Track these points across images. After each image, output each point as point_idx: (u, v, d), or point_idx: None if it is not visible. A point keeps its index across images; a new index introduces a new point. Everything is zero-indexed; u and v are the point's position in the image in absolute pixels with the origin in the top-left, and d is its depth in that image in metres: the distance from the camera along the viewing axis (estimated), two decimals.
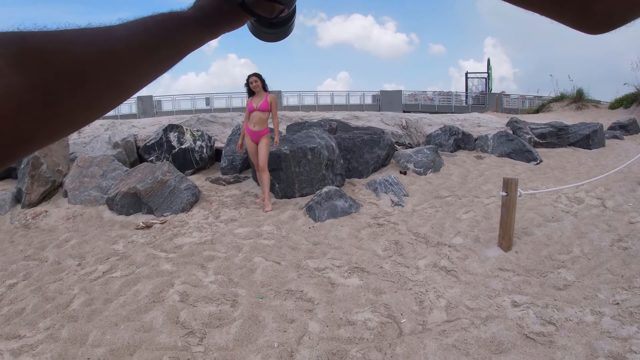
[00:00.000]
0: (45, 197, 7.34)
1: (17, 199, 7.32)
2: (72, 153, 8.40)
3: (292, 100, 39.45)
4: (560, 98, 20.97)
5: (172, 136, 8.37)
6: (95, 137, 9.11)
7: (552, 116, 16.75)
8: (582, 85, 21.12)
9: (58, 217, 6.58)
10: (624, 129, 13.45)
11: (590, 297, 3.59)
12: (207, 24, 0.65)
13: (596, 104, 20.09)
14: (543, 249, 4.68)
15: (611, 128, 13.39)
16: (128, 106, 37.35)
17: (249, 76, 6.53)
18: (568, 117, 15.89)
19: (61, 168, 7.67)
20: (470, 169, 8.26)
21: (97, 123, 10.18)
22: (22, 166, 7.41)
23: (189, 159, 8.27)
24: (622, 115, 16.00)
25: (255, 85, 6.47)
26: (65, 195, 7.22)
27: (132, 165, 8.13)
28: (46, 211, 6.79)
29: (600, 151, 10.42)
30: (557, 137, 10.67)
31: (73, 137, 9.05)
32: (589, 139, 10.64)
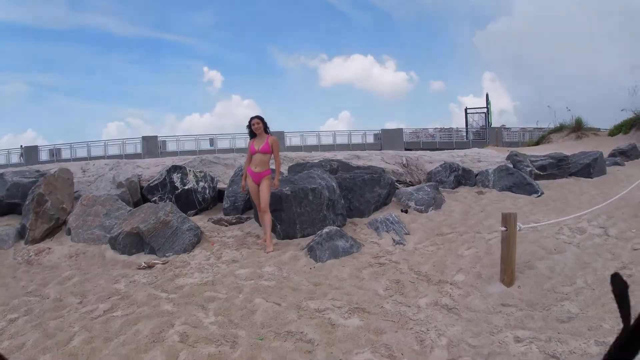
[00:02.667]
0: (49, 234, 7.38)
1: (21, 234, 7.37)
2: (76, 191, 8.47)
3: (295, 141, 39.79)
4: (560, 128, 21.12)
5: (176, 177, 8.43)
6: (99, 177, 9.20)
7: (552, 147, 16.81)
8: (581, 113, 21.36)
9: (61, 254, 6.62)
10: (625, 154, 13.47)
11: (594, 327, 3.55)
12: None
13: (595, 131, 20.21)
14: (546, 282, 4.65)
15: (612, 155, 13.41)
16: (133, 146, 37.90)
17: (252, 118, 6.64)
18: (568, 147, 15.93)
19: (65, 206, 7.73)
20: (472, 205, 8.24)
21: (102, 162, 10.32)
22: (27, 202, 7.49)
23: (191, 199, 8.31)
24: (622, 142, 16.04)
25: (257, 127, 6.57)
26: (69, 233, 7.26)
27: (136, 205, 8.18)
28: (49, 248, 6.83)
29: (601, 179, 10.42)
30: (558, 168, 10.67)
31: (77, 176, 9.15)
32: (589, 168, 10.64)
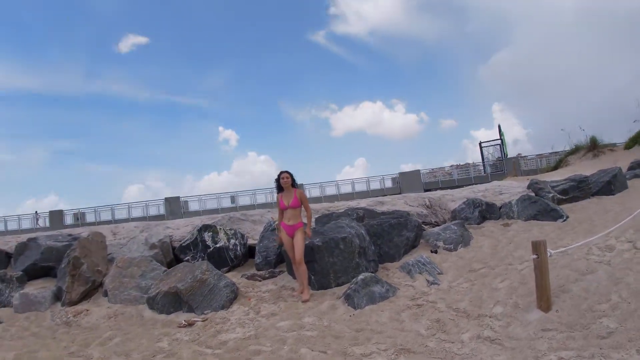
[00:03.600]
0: (85, 296, 7.58)
1: (57, 297, 7.58)
2: (109, 254, 8.70)
3: (314, 192, 40.23)
4: (576, 150, 21.07)
5: (207, 236, 8.65)
6: (131, 239, 9.41)
7: (570, 170, 16.82)
8: (594, 131, 21.24)
9: (99, 315, 6.79)
10: None
11: (635, 338, 3.65)
12: None
13: (612, 147, 20.13)
14: (582, 302, 4.73)
15: (630, 168, 13.37)
16: (156, 207, 38.58)
17: (281, 172, 6.86)
18: (586, 167, 15.95)
19: (100, 268, 7.96)
20: (500, 238, 8.32)
21: (132, 225, 10.57)
22: (63, 265, 7.72)
23: (224, 257, 8.49)
24: (639, 153, 15.97)
25: (285, 181, 6.78)
26: (105, 294, 7.46)
27: (169, 265, 8.36)
28: (87, 310, 6.99)
29: (624, 194, 10.47)
30: (579, 190, 10.74)
31: (109, 239, 9.37)
32: (610, 185, 10.71)
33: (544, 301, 4.75)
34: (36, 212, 39.49)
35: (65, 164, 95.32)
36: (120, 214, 38.42)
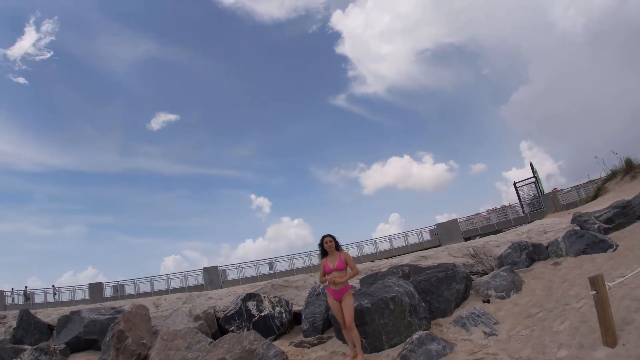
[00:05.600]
0: None
1: None
2: (153, 326, 8.78)
3: (352, 252, 39.61)
4: (613, 175, 20.63)
5: (251, 305, 8.67)
6: (174, 311, 9.47)
7: (611, 197, 16.42)
8: (628, 152, 20.77)
9: None
10: None
11: None
12: None
13: None
14: None
15: None
16: (194, 277, 38.47)
17: (324, 237, 6.85)
18: (626, 190, 15.55)
19: (145, 341, 7.98)
20: (552, 279, 8.09)
21: (174, 297, 10.63)
22: (107, 339, 7.80)
23: (269, 325, 8.45)
24: None
25: (329, 245, 6.77)
26: None
27: (214, 336, 8.36)
28: None
29: None
30: (624, 215, 10.48)
31: (151, 311, 9.44)
32: None
33: (610, 336, 4.61)
34: (53, 285, 39.82)
35: (103, 237, 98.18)
36: (159, 285, 38.31)
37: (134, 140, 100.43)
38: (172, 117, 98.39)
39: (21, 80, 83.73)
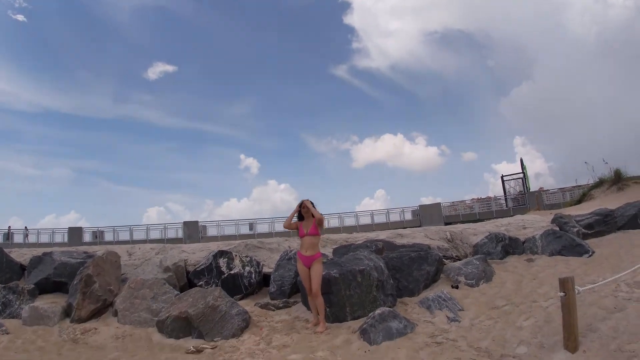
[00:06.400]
0: (95, 314, 7.54)
1: (67, 313, 7.55)
2: (123, 274, 8.69)
3: (333, 222, 40.16)
4: (600, 183, 20.77)
5: (222, 262, 8.57)
6: (146, 260, 9.40)
7: (595, 204, 16.47)
8: (619, 163, 20.91)
9: (107, 335, 6.72)
10: None
11: None
12: None
13: (637, 180, 19.72)
14: (611, 342, 4.50)
15: None
16: (174, 230, 38.73)
17: (302, 201, 6.80)
18: (611, 200, 15.60)
19: (112, 287, 7.93)
20: (523, 274, 8.08)
21: (148, 246, 10.54)
22: (75, 282, 7.72)
23: (238, 284, 8.39)
24: None
25: (306, 210, 6.72)
26: (115, 314, 7.39)
27: (182, 289, 8.27)
28: (95, 328, 6.95)
29: None
30: (605, 224, 10.47)
31: (124, 259, 9.37)
32: (637, 219, 10.41)
33: (572, 341, 4.53)
34: (25, 227, 39.69)
35: (88, 182, 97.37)
36: (139, 235, 38.43)
37: (129, 88, 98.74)
38: (169, 68, 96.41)
39: (20, 17, 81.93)
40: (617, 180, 19.70)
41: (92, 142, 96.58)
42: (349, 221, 41.07)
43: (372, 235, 11.34)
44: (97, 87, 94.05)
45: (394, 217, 41.21)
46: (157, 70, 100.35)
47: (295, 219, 6.92)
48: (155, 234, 38.89)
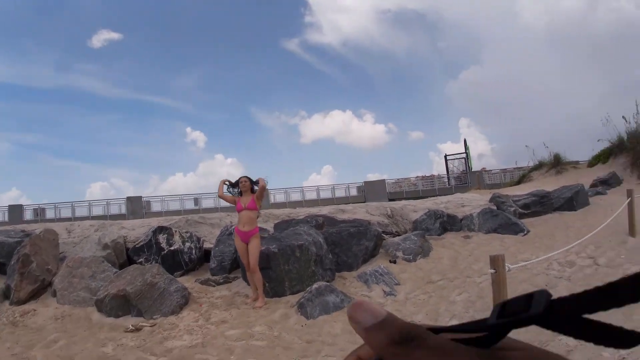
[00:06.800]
0: (34, 295, 7.18)
1: (6, 295, 7.19)
2: (61, 252, 8.29)
3: (279, 197, 39.92)
4: (539, 166, 21.34)
5: (162, 238, 8.32)
6: (85, 238, 9.02)
7: (533, 185, 16.97)
8: (559, 148, 21.63)
9: (46, 316, 6.43)
10: (606, 183, 13.77)
11: (595, 357, 3.50)
12: None
13: (575, 164, 20.43)
14: None
15: (593, 185, 13.66)
16: (117, 206, 37.60)
17: (240, 178, 6.72)
18: (549, 183, 16.11)
19: (51, 267, 7.54)
20: (460, 250, 8.23)
21: (87, 223, 10.14)
22: (12, 263, 7.32)
23: (178, 260, 8.16)
24: (601, 171, 16.27)
25: (244, 185, 6.62)
26: (54, 294, 7.07)
27: (122, 266, 7.97)
28: (34, 310, 6.63)
29: (585, 210, 10.55)
30: (541, 205, 10.78)
31: (63, 237, 8.96)
32: (572, 201, 10.77)
33: None
34: None
35: (30, 157, 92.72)
36: (81, 212, 37.04)
37: (72, 56, 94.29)
38: (115, 35, 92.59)
39: None
40: (556, 163, 20.30)
41: (33, 113, 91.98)
42: (295, 196, 40.99)
43: (315, 210, 11.30)
44: (39, 55, 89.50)
45: (340, 193, 41.43)
46: (102, 37, 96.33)
47: (232, 193, 6.82)
48: (98, 210, 37.48)
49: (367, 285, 6.69)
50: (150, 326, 5.80)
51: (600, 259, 6.20)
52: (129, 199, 37.41)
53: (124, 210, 36.66)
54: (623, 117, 17.51)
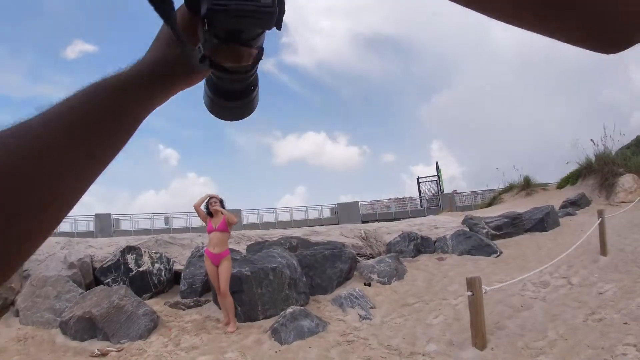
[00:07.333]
0: None
1: None
2: (25, 270, 7.95)
3: (252, 218, 39.53)
4: (510, 188, 21.60)
5: (130, 258, 8.04)
6: (50, 255, 8.68)
7: (504, 207, 17.11)
8: (528, 171, 21.97)
9: (8, 337, 6.19)
10: (575, 204, 13.95)
11: None
12: (156, 82, 0.54)
13: (544, 186, 20.71)
14: (518, 339, 4.58)
15: (563, 207, 13.82)
16: (85, 223, 36.51)
17: (210, 198, 6.60)
18: (520, 204, 16.27)
19: (13, 285, 7.30)
20: (434, 272, 8.19)
21: (53, 240, 9.79)
22: None
23: (147, 282, 7.89)
24: (571, 193, 16.49)
25: (214, 206, 6.50)
26: (17, 314, 6.83)
27: (88, 287, 7.68)
28: None
29: (556, 231, 10.65)
30: (513, 226, 10.86)
31: None
32: (543, 222, 10.87)
33: (479, 339, 4.55)
34: None
35: None
36: None
37: (46, 66, 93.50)
38: (89, 47, 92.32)
39: None
40: (526, 185, 20.57)
41: (2, 123, 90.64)
42: (268, 217, 40.71)
43: (288, 232, 11.18)
44: (12, 63, 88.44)
45: (313, 214, 41.34)
46: (77, 49, 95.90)
47: (204, 209, 6.68)
48: (65, 227, 36.14)
49: (342, 309, 6.58)
50: (117, 351, 5.59)
51: (573, 279, 6.25)
52: (97, 216, 36.54)
53: (92, 228, 35.79)
54: (591, 139, 17.84)
